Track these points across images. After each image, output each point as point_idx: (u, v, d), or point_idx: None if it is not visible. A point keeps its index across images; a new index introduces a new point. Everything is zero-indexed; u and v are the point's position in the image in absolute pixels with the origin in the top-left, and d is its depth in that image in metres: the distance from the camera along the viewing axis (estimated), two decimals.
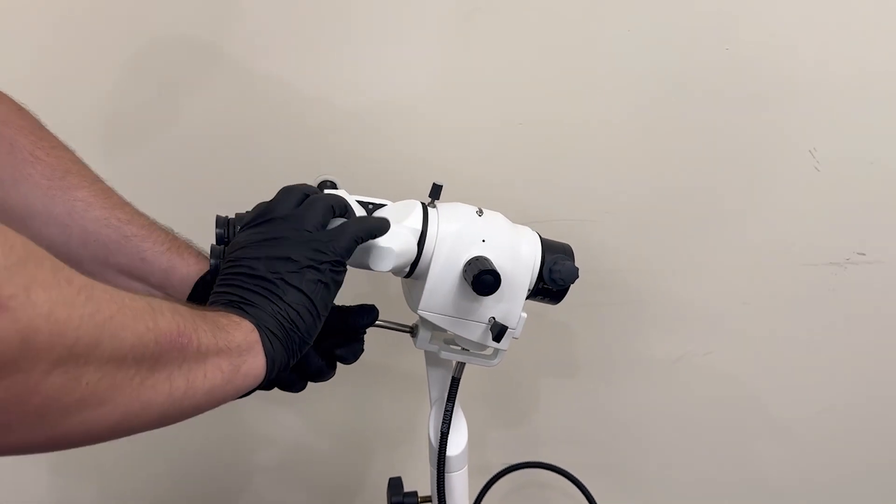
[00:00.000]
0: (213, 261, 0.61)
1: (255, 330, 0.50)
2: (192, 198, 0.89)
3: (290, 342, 0.52)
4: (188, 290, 0.64)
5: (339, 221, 0.59)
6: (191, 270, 0.64)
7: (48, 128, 0.64)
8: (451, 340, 0.68)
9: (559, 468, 0.85)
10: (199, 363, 0.44)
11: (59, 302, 0.33)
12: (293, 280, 0.53)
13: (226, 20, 0.87)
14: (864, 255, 0.97)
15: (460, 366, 0.68)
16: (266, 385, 0.53)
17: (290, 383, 0.64)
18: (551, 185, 0.94)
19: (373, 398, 1.03)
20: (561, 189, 0.94)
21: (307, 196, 0.59)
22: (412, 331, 0.68)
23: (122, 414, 0.39)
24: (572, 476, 0.85)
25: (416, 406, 1.02)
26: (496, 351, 0.68)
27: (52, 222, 0.61)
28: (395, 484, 0.78)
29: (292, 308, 0.52)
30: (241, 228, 0.58)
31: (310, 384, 0.65)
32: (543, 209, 0.93)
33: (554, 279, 0.63)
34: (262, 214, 0.57)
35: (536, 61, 0.90)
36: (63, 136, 0.64)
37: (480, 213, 0.64)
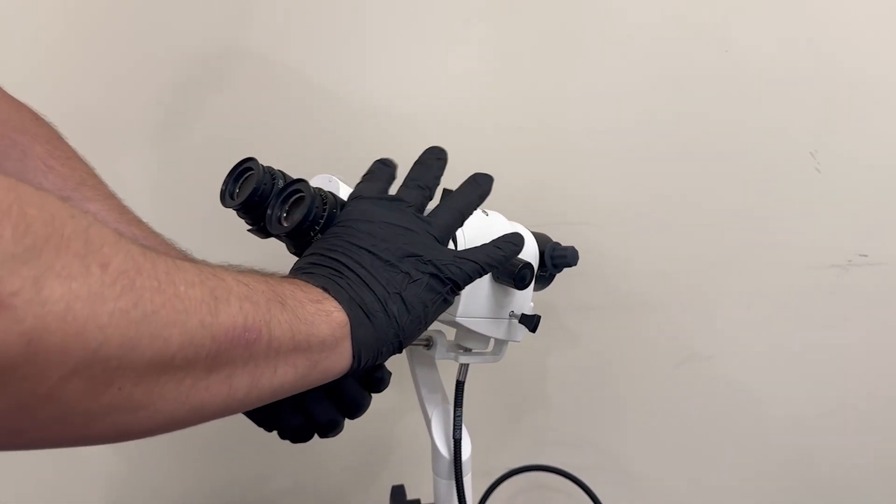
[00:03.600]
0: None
1: (348, 324, 0.44)
2: (197, 199, 0.89)
3: (383, 343, 0.46)
4: None
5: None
6: None
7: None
8: (460, 345, 0.68)
9: (563, 471, 0.85)
10: (268, 361, 0.39)
11: (82, 296, 0.28)
12: (420, 281, 0.47)
13: (238, 23, 0.87)
14: (866, 256, 0.96)
15: (464, 368, 0.68)
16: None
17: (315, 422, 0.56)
18: (552, 189, 0.94)
19: (372, 405, 1.02)
20: (562, 193, 0.94)
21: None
22: (428, 343, 0.68)
23: (166, 418, 0.34)
24: (577, 479, 0.84)
25: (415, 411, 1.01)
26: (500, 348, 0.68)
27: None
28: (398, 492, 0.77)
29: (406, 307, 0.47)
30: (362, 194, 0.52)
31: None
32: (544, 213, 0.93)
33: (557, 264, 0.65)
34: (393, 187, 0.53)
35: (537, 66, 0.90)
36: (73, 140, 0.64)
37: (486, 213, 0.64)
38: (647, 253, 0.96)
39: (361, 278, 0.46)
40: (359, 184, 0.55)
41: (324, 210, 0.51)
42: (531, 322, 0.62)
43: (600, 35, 0.88)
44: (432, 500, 0.72)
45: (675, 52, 0.89)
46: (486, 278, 0.60)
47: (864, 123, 0.92)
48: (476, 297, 0.61)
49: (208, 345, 0.34)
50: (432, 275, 0.48)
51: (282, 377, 0.40)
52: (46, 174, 0.59)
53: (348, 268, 0.46)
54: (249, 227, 0.54)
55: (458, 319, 0.61)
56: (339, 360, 0.44)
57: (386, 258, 0.47)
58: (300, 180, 0.52)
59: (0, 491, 1.03)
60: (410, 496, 0.77)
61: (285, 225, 0.51)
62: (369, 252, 0.47)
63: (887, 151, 0.93)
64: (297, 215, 0.50)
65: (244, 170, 0.53)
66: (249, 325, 0.36)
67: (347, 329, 0.44)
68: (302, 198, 0.51)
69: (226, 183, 0.53)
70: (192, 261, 0.39)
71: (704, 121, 0.91)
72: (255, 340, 0.37)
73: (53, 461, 1.04)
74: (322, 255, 0.48)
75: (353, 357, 0.44)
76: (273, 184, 0.52)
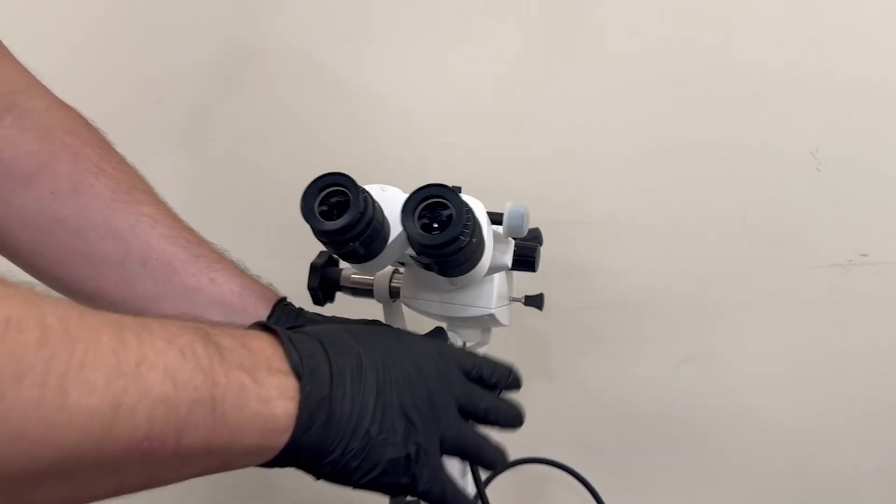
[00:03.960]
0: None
1: (292, 429, 0.38)
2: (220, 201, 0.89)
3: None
4: (265, 312, 0.59)
5: None
6: (266, 293, 0.60)
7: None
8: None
9: (559, 463, 0.84)
10: (172, 465, 0.34)
11: None
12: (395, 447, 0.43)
13: (250, 24, 0.87)
14: (866, 255, 0.96)
15: None
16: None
17: None
18: (551, 187, 0.93)
19: None
20: (561, 192, 0.94)
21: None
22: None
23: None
24: (573, 471, 0.84)
25: None
26: (488, 335, 0.69)
27: (111, 236, 0.57)
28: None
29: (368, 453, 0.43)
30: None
31: None
32: (543, 212, 0.92)
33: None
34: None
35: (536, 64, 0.89)
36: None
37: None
38: (645, 252, 0.96)
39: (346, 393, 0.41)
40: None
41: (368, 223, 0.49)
42: (539, 301, 0.63)
43: (600, 34, 0.88)
44: None
45: (675, 50, 0.89)
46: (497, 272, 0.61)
47: (865, 122, 0.91)
48: (499, 286, 0.62)
49: (92, 457, 0.29)
50: (408, 460, 0.44)
51: (188, 474, 0.37)
52: (98, 176, 0.58)
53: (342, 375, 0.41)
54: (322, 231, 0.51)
55: (493, 310, 0.61)
56: (265, 458, 0.40)
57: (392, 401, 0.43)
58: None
59: None
60: (410, 498, 0.77)
61: (328, 228, 0.49)
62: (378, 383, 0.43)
63: (888, 150, 0.93)
64: (342, 221, 0.49)
65: (334, 190, 0.50)
66: (153, 436, 0.31)
67: (287, 436, 0.39)
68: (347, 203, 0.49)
69: (309, 199, 0.49)
70: (162, 321, 0.35)
71: (704, 120, 0.91)
72: (156, 449, 0.32)
73: None
74: (339, 346, 0.43)
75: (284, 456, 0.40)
76: (366, 205, 0.49)
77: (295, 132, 0.91)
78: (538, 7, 0.87)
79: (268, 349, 0.39)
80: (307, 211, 0.49)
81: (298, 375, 0.39)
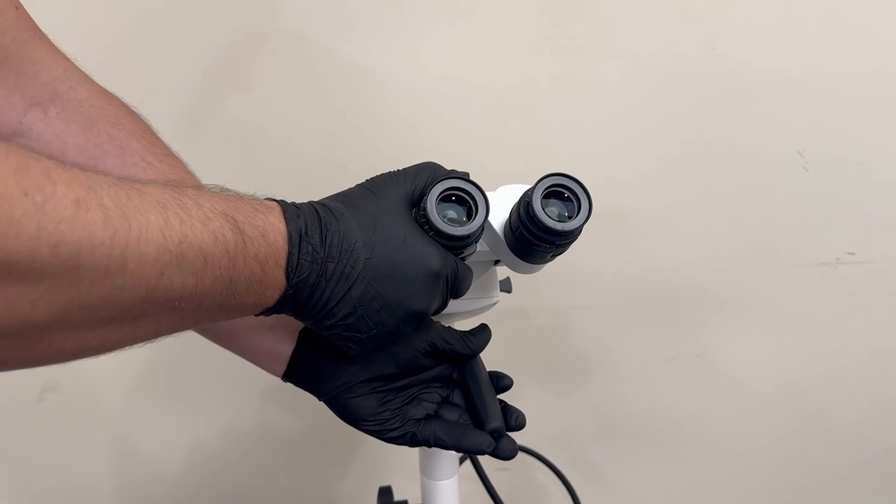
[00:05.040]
0: None
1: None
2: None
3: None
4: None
5: None
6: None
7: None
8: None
9: (538, 454, 0.84)
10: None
11: None
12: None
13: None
14: (854, 254, 0.97)
15: None
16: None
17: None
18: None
19: None
20: None
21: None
22: None
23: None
24: (552, 464, 0.84)
25: None
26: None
27: None
28: (385, 493, 0.76)
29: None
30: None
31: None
32: None
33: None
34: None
35: (521, 63, 0.89)
36: None
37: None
38: (634, 252, 0.96)
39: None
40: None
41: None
42: (509, 285, 0.64)
43: (586, 34, 0.88)
44: (419, 502, 0.72)
45: (662, 49, 0.88)
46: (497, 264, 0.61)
47: (852, 121, 0.92)
48: (498, 274, 0.63)
49: (136, 311, 0.36)
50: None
51: (203, 322, 0.42)
52: (146, 170, 0.57)
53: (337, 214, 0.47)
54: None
55: (497, 299, 0.62)
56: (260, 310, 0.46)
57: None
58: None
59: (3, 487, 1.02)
60: (398, 497, 0.77)
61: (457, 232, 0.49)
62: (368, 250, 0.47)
63: (875, 149, 0.93)
64: (472, 227, 0.49)
65: (462, 195, 0.49)
66: (183, 298, 0.38)
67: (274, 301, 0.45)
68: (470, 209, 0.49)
69: (431, 197, 0.48)
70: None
71: (691, 119, 0.91)
72: (183, 308, 0.38)
73: (53, 456, 1.02)
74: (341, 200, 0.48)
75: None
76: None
77: (294, 123, 0.90)
78: (525, 7, 0.87)
79: (280, 242, 0.44)
80: (433, 216, 0.48)
81: (288, 278, 0.45)
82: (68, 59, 0.58)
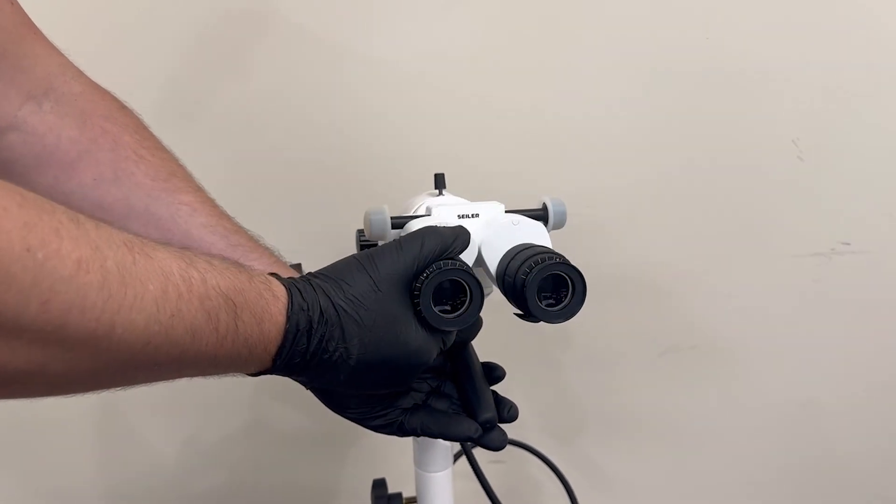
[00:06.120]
0: None
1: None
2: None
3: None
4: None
5: None
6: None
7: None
8: None
9: (531, 447, 0.84)
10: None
11: None
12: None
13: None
14: (849, 244, 0.96)
15: None
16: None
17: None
18: (533, 180, 0.93)
19: None
20: (542, 184, 0.93)
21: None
22: None
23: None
24: (547, 458, 0.84)
25: None
26: None
27: (153, 224, 0.58)
28: (379, 485, 0.76)
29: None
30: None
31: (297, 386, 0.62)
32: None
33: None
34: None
35: (517, 53, 0.88)
36: None
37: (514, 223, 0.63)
38: (628, 242, 0.96)
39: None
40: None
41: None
42: None
43: (581, 24, 0.87)
44: (414, 495, 0.72)
45: (657, 39, 0.88)
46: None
47: (846, 111, 0.91)
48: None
49: (115, 369, 0.36)
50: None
51: (181, 377, 0.43)
52: (138, 164, 0.58)
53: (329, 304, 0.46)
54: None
55: (492, 290, 0.62)
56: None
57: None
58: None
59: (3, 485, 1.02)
60: (392, 490, 0.77)
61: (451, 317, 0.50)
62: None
63: (870, 139, 0.93)
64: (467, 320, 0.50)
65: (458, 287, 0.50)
66: (163, 364, 0.38)
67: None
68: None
69: (426, 290, 0.48)
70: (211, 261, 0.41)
71: (685, 109, 0.91)
72: (162, 372, 0.40)
73: (52, 453, 1.02)
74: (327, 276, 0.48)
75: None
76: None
77: (293, 112, 0.90)
78: (521, 2, 0.86)
79: (274, 333, 0.44)
80: (429, 310, 0.48)
81: (274, 362, 0.45)
82: (63, 55, 0.59)
